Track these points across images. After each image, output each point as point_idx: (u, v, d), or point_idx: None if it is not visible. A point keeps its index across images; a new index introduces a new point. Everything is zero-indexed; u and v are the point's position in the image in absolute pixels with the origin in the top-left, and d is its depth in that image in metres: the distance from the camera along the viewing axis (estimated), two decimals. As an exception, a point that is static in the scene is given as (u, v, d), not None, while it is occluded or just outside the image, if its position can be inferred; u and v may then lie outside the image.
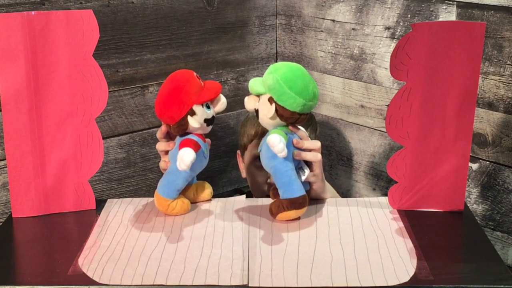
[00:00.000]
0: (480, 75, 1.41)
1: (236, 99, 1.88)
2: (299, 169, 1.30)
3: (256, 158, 1.54)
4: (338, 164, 1.87)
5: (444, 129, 1.26)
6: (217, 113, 1.33)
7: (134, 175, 1.73)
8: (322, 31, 1.81)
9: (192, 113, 1.27)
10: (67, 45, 1.26)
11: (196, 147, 1.27)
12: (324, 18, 1.79)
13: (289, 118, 1.27)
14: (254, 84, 1.29)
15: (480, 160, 1.51)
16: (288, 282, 1.05)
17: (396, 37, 1.63)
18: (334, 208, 1.33)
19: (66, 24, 1.25)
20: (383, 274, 1.07)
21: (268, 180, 1.52)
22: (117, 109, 1.65)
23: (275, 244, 1.18)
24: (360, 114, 1.76)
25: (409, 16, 1.59)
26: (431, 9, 1.54)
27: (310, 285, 1.04)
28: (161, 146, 1.35)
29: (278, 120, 1.27)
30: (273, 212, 1.26)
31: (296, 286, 1.04)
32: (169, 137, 1.35)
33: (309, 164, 1.32)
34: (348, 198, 1.46)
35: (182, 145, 1.27)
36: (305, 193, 1.26)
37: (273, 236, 1.21)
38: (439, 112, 1.25)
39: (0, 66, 1.24)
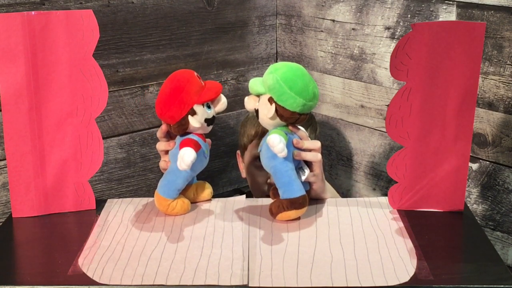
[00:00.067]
0: (480, 75, 1.41)
1: (236, 99, 1.88)
2: (299, 169, 1.30)
3: (256, 158, 1.54)
4: (338, 164, 1.87)
5: (444, 129, 1.26)
6: (218, 113, 1.33)
7: (134, 175, 1.73)
8: (322, 31, 1.81)
9: (193, 113, 1.27)
10: (67, 45, 1.26)
11: (196, 146, 1.27)
12: (324, 18, 1.79)
13: (289, 118, 1.27)
14: (254, 84, 1.29)
15: (480, 160, 1.51)
16: (288, 282, 1.05)
17: (396, 37, 1.63)
18: (334, 208, 1.33)
19: (66, 24, 1.25)
20: (383, 274, 1.07)
21: (268, 180, 1.52)
22: (117, 109, 1.65)
23: (275, 244, 1.18)
24: (360, 114, 1.76)
25: (409, 16, 1.59)
26: (431, 9, 1.54)
27: (310, 285, 1.04)
28: (161, 145, 1.35)
29: (278, 120, 1.27)
30: (273, 212, 1.26)
31: (296, 286, 1.04)
32: (169, 136, 1.35)
33: (309, 164, 1.32)
34: (348, 198, 1.46)
35: (182, 145, 1.27)
36: (305, 193, 1.26)
37: (273, 236, 1.21)
38: (439, 112, 1.25)
39: (0, 66, 1.24)
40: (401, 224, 1.26)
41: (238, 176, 1.84)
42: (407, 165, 1.29)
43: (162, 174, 1.32)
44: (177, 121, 1.27)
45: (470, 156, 1.45)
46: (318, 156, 1.31)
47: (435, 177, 1.29)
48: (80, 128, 1.30)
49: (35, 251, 1.19)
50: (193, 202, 1.35)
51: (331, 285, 1.04)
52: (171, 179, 1.29)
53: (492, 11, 1.42)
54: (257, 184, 1.57)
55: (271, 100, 1.26)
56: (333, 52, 1.79)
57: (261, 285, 1.04)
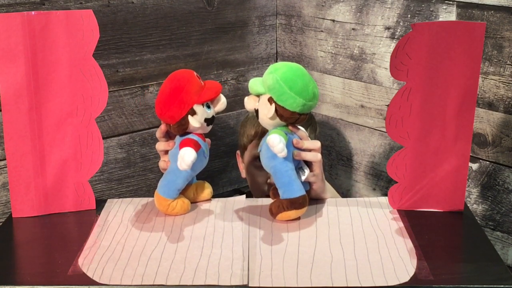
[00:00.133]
0: (480, 75, 1.41)
1: (236, 99, 1.88)
2: (299, 169, 1.30)
3: (256, 158, 1.54)
4: (338, 164, 1.87)
5: (444, 129, 1.26)
6: (217, 113, 1.33)
7: (134, 175, 1.73)
8: (322, 31, 1.81)
9: (193, 113, 1.27)
10: (67, 45, 1.26)
11: (196, 146, 1.27)
12: (324, 18, 1.79)
13: (289, 118, 1.27)
14: (254, 84, 1.29)
15: (480, 160, 1.51)
16: (288, 282, 1.05)
17: (396, 37, 1.63)
18: (334, 208, 1.33)
19: (66, 24, 1.25)
20: (383, 274, 1.07)
21: (268, 180, 1.52)
22: (117, 109, 1.65)
23: (275, 244, 1.18)
24: (360, 114, 1.76)
25: (409, 16, 1.59)
26: (431, 9, 1.54)
27: (310, 285, 1.04)
28: (160, 145, 1.35)
29: (278, 120, 1.27)
30: (273, 212, 1.26)
31: (296, 286, 1.04)
32: (168, 136, 1.35)
33: (309, 164, 1.32)
34: (348, 198, 1.46)
35: (182, 145, 1.27)
36: (305, 193, 1.26)
37: (273, 236, 1.21)
38: (439, 112, 1.25)
39: (0, 66, 1.24)
40: (401, 224, 1.26)
41: (238, 176, 1.84)
42: (407, 165, 1.29)
43: (162, 174, 1.32)
44: (177, 121, 1.27)
45: (470, 156, 1.45)
46: (318, 156, 1.31)
47: (435, 177, 1.29)
48: (80, 128, 1.30)
49: (35, 251, 1.19)
50: (193, 202, 1.35)
51: (331, 285, 1.04)
52: (171, 179, 1.29)
53: (492, 11, 1.42)
54: (257, 184, 1.57)
55: (271, 100, 1.26)
56: (333, 52, 1.79)
57: (261, 285, 1.04)
